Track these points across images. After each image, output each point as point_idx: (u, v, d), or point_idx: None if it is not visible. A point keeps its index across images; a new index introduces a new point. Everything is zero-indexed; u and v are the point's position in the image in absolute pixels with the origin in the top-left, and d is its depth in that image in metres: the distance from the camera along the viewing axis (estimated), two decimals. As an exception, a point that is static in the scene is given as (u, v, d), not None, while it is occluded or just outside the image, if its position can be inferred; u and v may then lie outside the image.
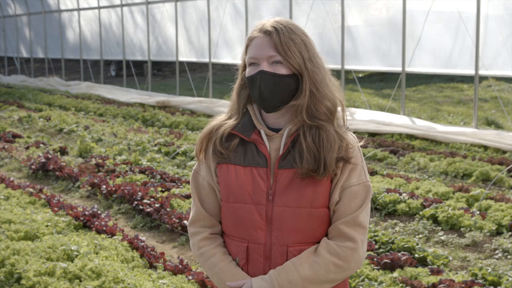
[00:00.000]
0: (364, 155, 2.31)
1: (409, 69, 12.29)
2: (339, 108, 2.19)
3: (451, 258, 5.47)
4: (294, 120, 2.15)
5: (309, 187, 2.10)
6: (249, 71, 2.16)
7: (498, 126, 12.74)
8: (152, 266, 5.27)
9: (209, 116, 14.12)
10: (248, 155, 2.17)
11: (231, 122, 2.22)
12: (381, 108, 14.65)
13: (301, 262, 2.08)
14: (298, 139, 2.14)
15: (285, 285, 2.07)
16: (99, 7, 20.79)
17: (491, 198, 6.98)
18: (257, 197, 2.13)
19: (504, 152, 9.63)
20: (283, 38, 2.11)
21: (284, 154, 2.14)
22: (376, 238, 5.75)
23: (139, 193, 7.13)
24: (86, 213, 6.47)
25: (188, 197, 7.13)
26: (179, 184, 7.81)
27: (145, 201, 6.94)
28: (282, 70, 2.12)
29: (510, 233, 6.04)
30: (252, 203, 2.14)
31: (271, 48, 2.12)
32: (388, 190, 7.20)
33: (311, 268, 2.08)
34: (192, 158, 9.61)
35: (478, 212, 6.44)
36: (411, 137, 11.03)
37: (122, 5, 19.70)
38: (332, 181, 2.13)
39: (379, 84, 20.31)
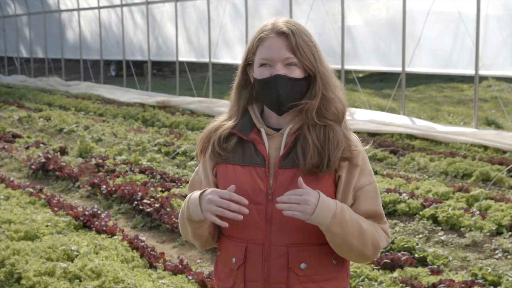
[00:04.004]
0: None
1: (409, 69, 12.29)
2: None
3: (451, 258, 5.47)
4: (296, 119, 2.15)
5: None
6: (260, 73, 2.12)
7: (498, 126, 12.74)
8: (152, 266, 5.28)
9: (209, 116, 14.13)
10: (247, 155, 2.16)
11: (230, 123, 2.21)
12: (381, 108, 14.65)
13: (360, 216, 2.11)
14: (299, 138, 2.13)
15: (345, 216, 2.04)
16: (99, 7, 20.79)
17: (491, 198, 6.98)
18: (257, 197, 2.12)
19: (504, 152, 9.62)
20: (298, 39, 2.09)
21: (285, 154, 2.13)
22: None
23: (139, 193, 7.13)
24: (86, 213, 6.48)
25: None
26: (179, 184, 7.81)
27: (145, 201, 6.94)
28: (298, 73, 2.11)
29: (510, 233, 6.04)
30: (252, 203, 2.12)
31: (286, 50, 2.09)
32: (388, 190, 7.19)
33: (366, 224, 2.10)
34: (192, 158, 9.61)
35: (478, 212, 6.44)
36: (411, 137, 11.03)
37: (122, 5, 19.70)
38: (338, 183, 2.13)
39: (379, 84, 20.31)
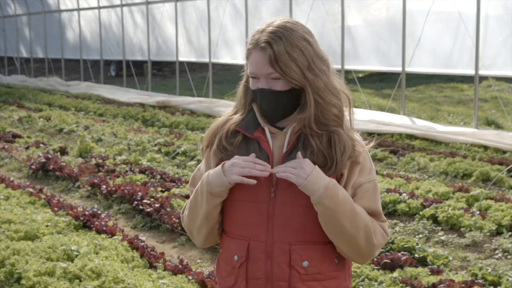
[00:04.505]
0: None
1: (409, 69, 12.29)
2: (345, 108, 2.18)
3: (451, 258, 5.47)
4: (299, 119, 2.15)
5: None
6: (251, 84, 2.16)
7: (498, 126, 12.74)
8: (152, 266, 5.28)
9: (209, 116, 14.14)
10: (251, 152, 2.16)
11: (237, 117, 2.22)
12: (381, 108, 14.65)
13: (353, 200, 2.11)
14: (302, 137, 2.13)
15: (337, 191, 2.05)
16: (99, 7, 20.79)
17: (491, 198, 6.98)
18: (259, 195, 2.13)
19: (504, 152, 9.63)
20: (278, 53, 2.06)
21: (288, 152, 2.13)
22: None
23: (139, 193, 7.13)
24: (86, 213, 6.47)
25: (188, 197, 7.13)
26: (179, 184, 7.81)
27: (145, 201, 6.94)
28: (282, 86, 2.10)
29: (510, 233, 6.04)
30: (254, 200, 2.13)
31: (267, 65, 2.08)
32: (388, 190, 7.19)
33: (360, 209, 2.10)
34: (192, 158, 9.61)
35: (478, 212, 6.44)
36: (411, 137, 11.03)
37: (122, 5, 19.70)
38: (340, 181, 2.13)
39: (379, 84, 20.31)
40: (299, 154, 2.07)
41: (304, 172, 2.03)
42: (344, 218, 2.05)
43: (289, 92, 2.10)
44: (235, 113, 2.25)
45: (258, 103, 2.14)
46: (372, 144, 2.22)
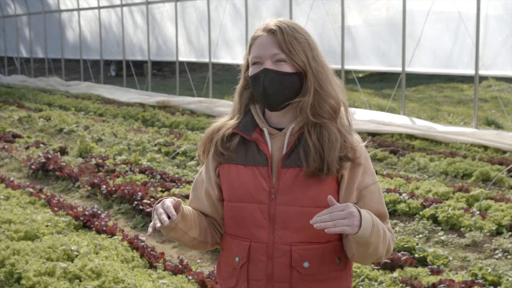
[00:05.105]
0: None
1: (409, 69, 12.29)
2: (342, 108, 2.19)
3: (451, 258, 5.47)
4: (298, 119, 2.15)
5: (313, 186, 2.10)
6: (252, 70, 2.15)
7: (498, 126, 12.74)
8: (152, 266, 5.28)
9: (209, 116, 14.13)
10: (249, 154, 2.16)
11: (232, 122, 2.22)
12: (381, 108, 14.65)
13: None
14: (302, 138, 2.13)
15: (378, 225, 2.04)
16: (99, 7, 20.79)
17: (491, 198, 6.98)
18: (259, 196, 2.13)
19: (504, 152, 9.63)
20: (287, 36, 2.11)
21: (288, 153, 2.13)
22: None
23: (139, 193, 7.13)
24: (86, 213, 6.48)
25: (188, 197, 7.13)
26: (179, 184, 7.81)
27: (145, 201, 6.94)
28: (286, 68, 2.12)
29: (510, 233, 6.04)
30: (254, 202, 2.13)
31: (274, 46, 2.11)
32: (388, 190, 7.19)
33: (383, 226, 2.10)
34: (192, 158, 9.61)
35: (478, 212, 6.44)
36: (411, 137, 11.03)
37: (122, 5, 19.70)
38: (340, 182, 2.13)
39: (379, 84, 20.30)
40: (331, 198, 1.97)
41: (356, 219, 1.96)
42: (381, 245, 2.08)
43: (292, 75, 2.12)
44: (231, 119, 2.25)
45: (260, 84, 2.12)
46: (365, 142, 2.22)
